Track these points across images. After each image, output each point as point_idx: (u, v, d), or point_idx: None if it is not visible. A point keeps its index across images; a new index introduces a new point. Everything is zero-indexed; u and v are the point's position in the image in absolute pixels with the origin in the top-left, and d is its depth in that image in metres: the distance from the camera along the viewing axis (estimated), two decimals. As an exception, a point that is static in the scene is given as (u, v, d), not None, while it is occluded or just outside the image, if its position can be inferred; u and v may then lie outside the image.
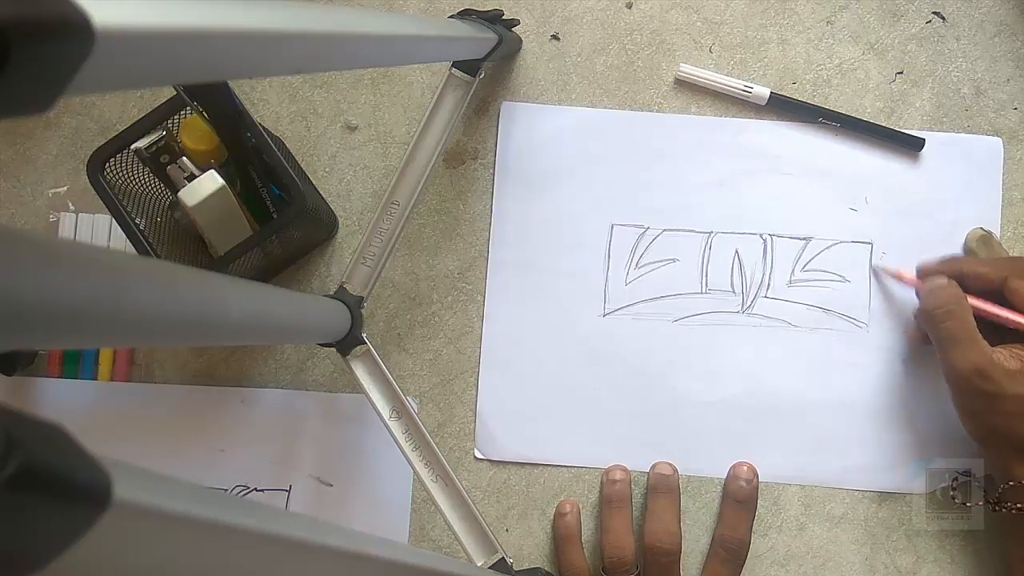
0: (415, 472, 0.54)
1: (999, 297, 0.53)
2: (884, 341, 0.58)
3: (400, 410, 0.54)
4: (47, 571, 0.18)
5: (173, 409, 0.59)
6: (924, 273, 0.56)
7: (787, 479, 0.57)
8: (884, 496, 0.57)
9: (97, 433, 0.58)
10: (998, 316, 0.52)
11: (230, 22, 0.26)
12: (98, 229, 0.60)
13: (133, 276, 0.26)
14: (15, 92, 0.18)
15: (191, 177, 0.52)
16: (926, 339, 0.55)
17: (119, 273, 0.25)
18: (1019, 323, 0.52)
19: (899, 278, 0.57)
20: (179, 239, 0.56)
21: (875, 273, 0.58)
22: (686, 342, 0.58)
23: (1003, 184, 0.59)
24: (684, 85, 0.60)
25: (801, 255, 0.59)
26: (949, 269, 0.55)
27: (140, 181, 0.54)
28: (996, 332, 0.53)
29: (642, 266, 0.59)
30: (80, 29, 0.19)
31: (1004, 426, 0.51)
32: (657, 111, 0.60)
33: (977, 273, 0.53)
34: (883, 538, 0.57)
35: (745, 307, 0.59)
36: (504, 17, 0.56)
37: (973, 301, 0.53)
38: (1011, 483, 0.52)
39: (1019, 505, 0.51)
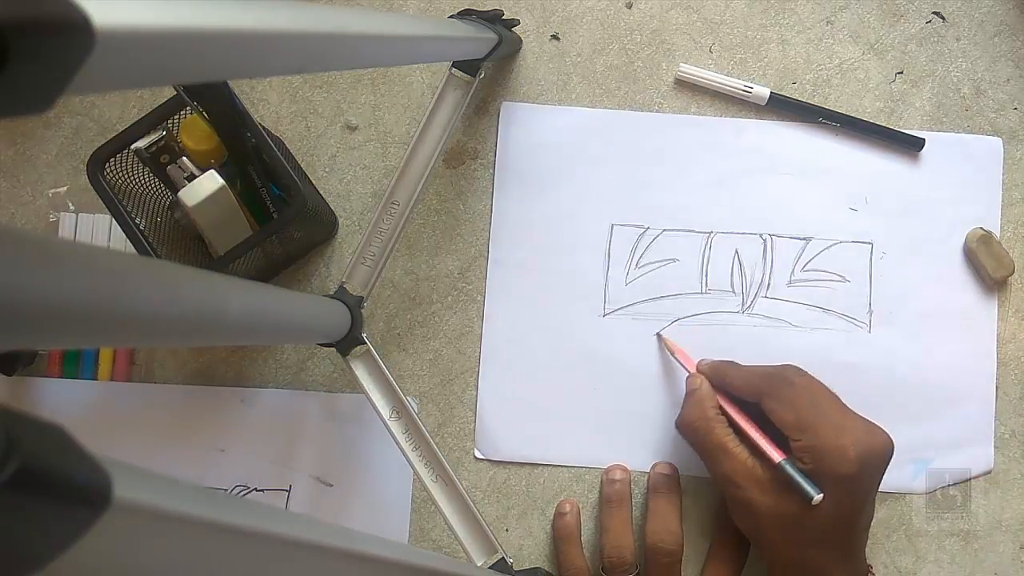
0: (415, 472, 0.54)
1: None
2: (884, 341, 0.58)
3: (400, 410, 0.54)
4: (47, 571, 0.18)
5: (173, 409, 0.59)
6: (697, 370, 0.55)
7: (787, 479, 0.57)
8: (884, 496, 0.57)
9: (97, 433, 0.58)
10: (745, 432, 0.52)
11: (230, 22, 0.26)
12: (98, 229, 0.60)
13: (133, 276, 0.26)
14: (15, 92, 0.18)
15: (191, 177, 0.52)
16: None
17: (119, 273, 0.25)
18: (756, 444, 0.51)
19: (675, 355, 0.57)
20: (179, 239, 0.56)
21: (658, 340, 0.58)
22: (686, 342, 0.58)
23: (1003, 184, 0.59)
24: (684, 85, 0.60)
25: (801, 255, 0.59)
26: (715, 374, 0.54)
27: (140, 181, 0.54)
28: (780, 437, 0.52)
29: (642, 266, 0.59)
30: (80, 29, 0.19)
31: (756, 531, 0.51)
32: (657, 111, 0.60)
33: (735, 386, 0.53)
34: (883, 538, 0.57)
35: (745, 307, 0.59)
36: (504, 17, 0.56)
37: (730, 411, 0.53)
38: None
39: None
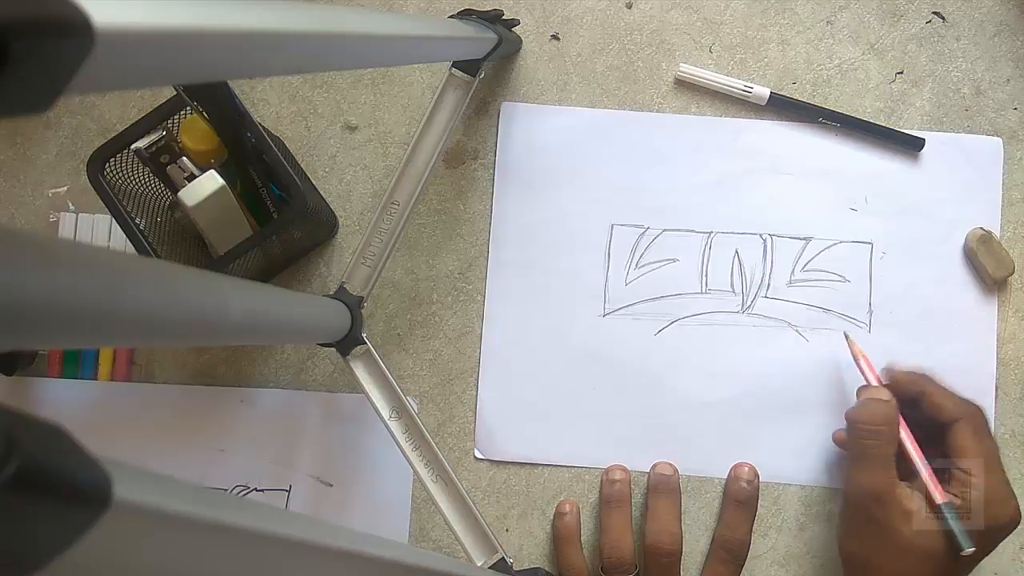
0: (415, 472, 0.54)
1: (942, 433, 0.52)
2: (884, 341, 0.58)
3: (400, 410, 0.54)
4: (47, 571, 0.18)
5: (173, 409, 0.59)
6: (890, 378, 0.54)
7: (787, 479, 0.57)
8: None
9: (97, 433, 0.58)
10: (911, 459, 0.51)
11: (230, 22, 0.26)
12: (98, 229, 0.60)
13: (133, 276, 0.26)
14: (15, 92, 0.18)
15: (191, 177, 0.52)
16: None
17: (119, 273, 0.25)
18: (923, 477, 0.50)
19: (858, 361, 0.56)
20: (179, 239, 0.56)
21: (845, 338, 0.57)
22: (686, 342, 0.58)
23: (1003, 184, 0.59)
24: (684, 85, 0.60)
25: (801, 255, 0.59)
26: (912, 384, 0.53)
27: (140, 181, 0.54)
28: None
29: (642, 266, 0.59)
30: (80, 29, 0.19)
31: (875, 559, 0.50)
32: (657, 111, 0.60)
33: (937, 404, 0.52)
34: (883, 538, 0.57)
35: (745, 307, 0.59)
36: (504, 17, 0.56)
37: (903, 433, 0.52)
38: None
39: None
